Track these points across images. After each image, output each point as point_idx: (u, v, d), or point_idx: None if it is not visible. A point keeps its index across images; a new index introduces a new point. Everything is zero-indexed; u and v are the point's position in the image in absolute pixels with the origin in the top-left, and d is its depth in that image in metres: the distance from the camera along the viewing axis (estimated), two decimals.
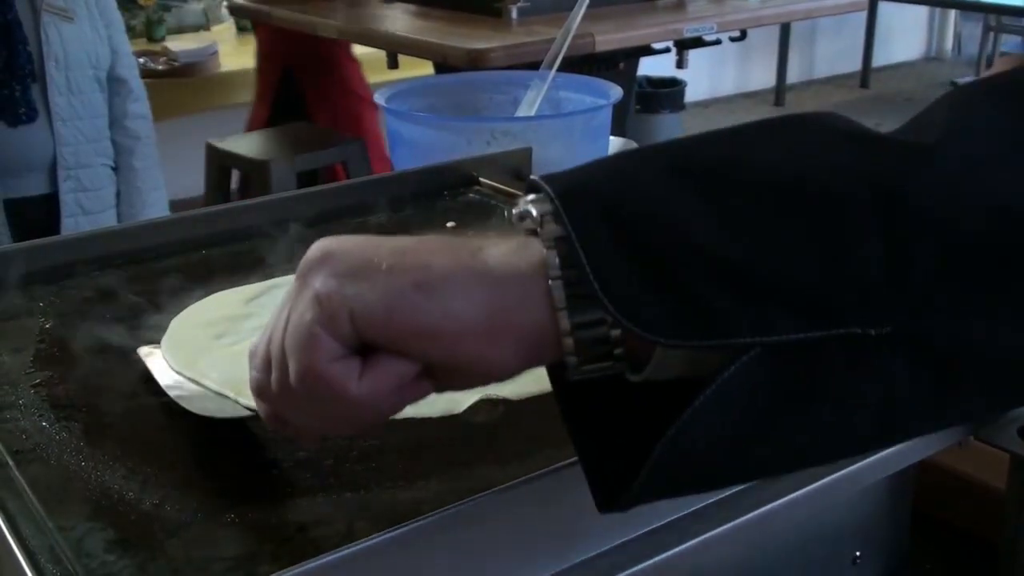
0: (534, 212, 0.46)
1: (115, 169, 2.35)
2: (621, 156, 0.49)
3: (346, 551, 0.53)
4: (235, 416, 0.68)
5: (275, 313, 0.51)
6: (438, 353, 0.47)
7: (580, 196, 0.45)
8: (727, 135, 0.50)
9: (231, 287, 0.93)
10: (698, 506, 0.65)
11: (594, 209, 0.44)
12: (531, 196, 0.47)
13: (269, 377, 0.50)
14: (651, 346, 0.45)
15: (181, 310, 0.88)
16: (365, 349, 0.48)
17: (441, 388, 0.50)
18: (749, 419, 0.44)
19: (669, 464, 0.44)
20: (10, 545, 0.57)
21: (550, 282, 0.45)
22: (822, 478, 0.68)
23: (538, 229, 0.46)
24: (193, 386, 0.73)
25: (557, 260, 0.45)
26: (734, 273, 0.43)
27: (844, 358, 0.43)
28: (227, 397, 0.70)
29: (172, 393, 0.72)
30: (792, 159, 0.46)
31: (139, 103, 2.38)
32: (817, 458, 0.49)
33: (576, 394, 0.50)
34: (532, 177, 0.47)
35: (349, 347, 0.47)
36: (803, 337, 0.42)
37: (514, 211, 0.48)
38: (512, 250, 0.47)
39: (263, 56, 3.54)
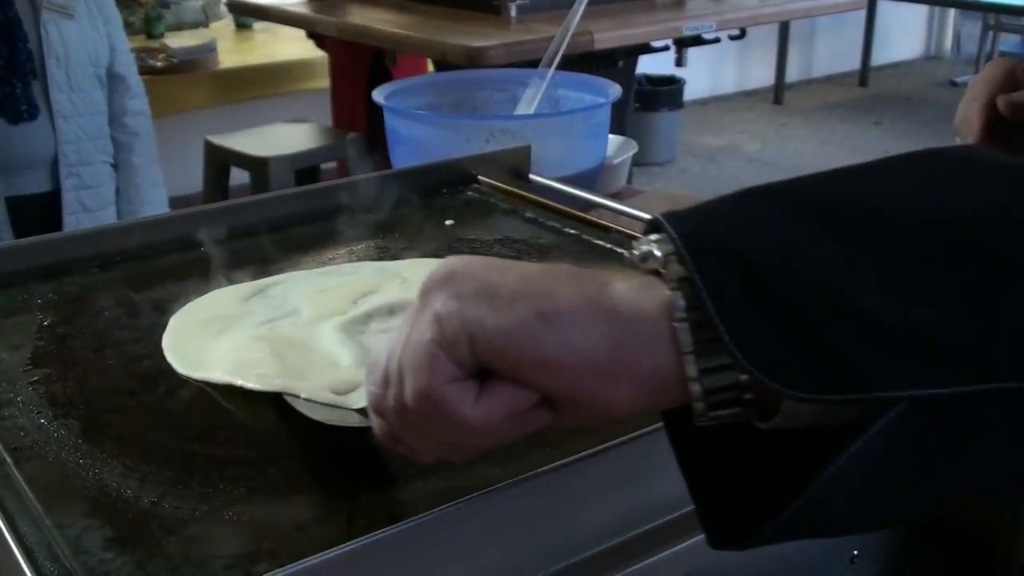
0: (657, 252, 0.45)
1: (114, 166, 2.34)
2: (747, 195, 0.47)
3: (344, 549, 0.53)
4: (345, 424, 0.67)
5: (397, 330, 0.50)
6: (555, 385, 0.45)
7: (705, 238, 0.43)
8: (863, 173, 0.47)
9: (229, 285, 0.93)
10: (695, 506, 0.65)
11: (720, 253, 0.43)
12: (653, 236, 0.46)
13: (385, 392, 0.50)
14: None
15: (179, 308, 0.88)
16: (483, 374, 0.47)
17: (558, 420, 0.48)
18: (889, 473, 0.42)
19: (802, 514, 0.43)
20: (8, 542, 0.57)
21: (676, 324, 0.43)
22: None
23: (661, 269, 0.44)
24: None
25: (683, 302, 0.43)
26: (880, 325, 0.41)
27: (994, 412, 0.41)
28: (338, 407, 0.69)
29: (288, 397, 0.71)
30: (936, 201, 0.44)
31: (137, 100, 2.38)
32: (950, 508, 0.48)
33: (690, 434, 0.48)
34: (655, 216, 0.46)
35: (467, 370, 0.46)
36: (954, 391, 0.40)
37: (635, 251, 0.46)
38: (636, 287, 0.45)
39: (348, 45, 3.46)
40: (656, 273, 0.45)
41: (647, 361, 0.44)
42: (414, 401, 0.47)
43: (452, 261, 0.49)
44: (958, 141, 1.02)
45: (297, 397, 0.71)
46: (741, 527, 0.46)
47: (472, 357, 0.46)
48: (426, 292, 0.48)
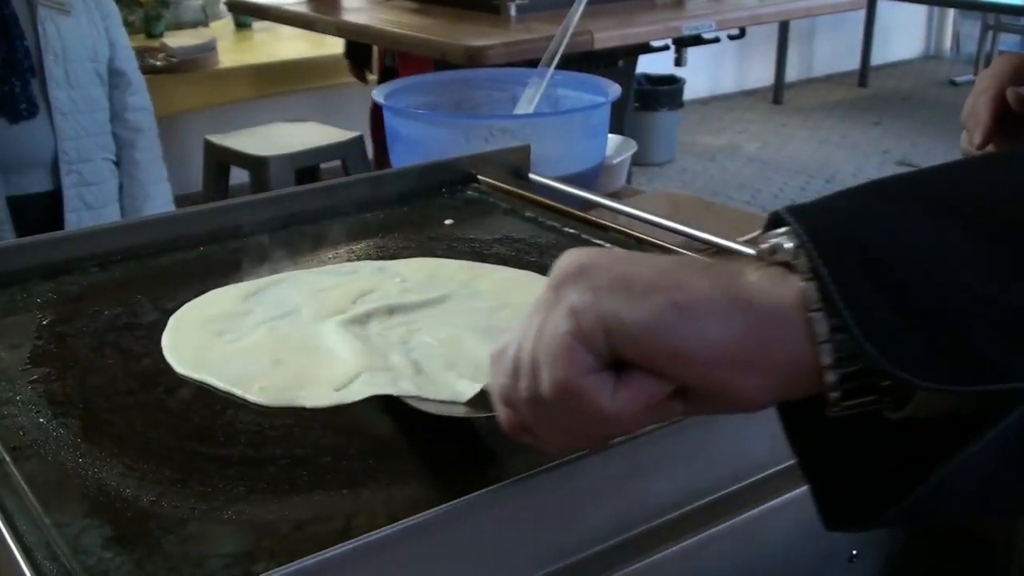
0: (786, 245, 0.45)
1: (117, 164, 2.34)
2: (871, 188, 0.47)
3: (343, 548, 0.53)
4: (456, 416, 0.68)
5: (523, 322, 0.50)
6: (691, 376, 0.46)
7: (831, 231, 0.44)
8: (987, 166, 0.48)
9: (228, 284, 0.93)
10: (695, 505, 0.65)
11: (847, 246, 0.43)
12: (780, 229, 0.46)
13: (516, 384, 0.50)
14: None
15: (179, 307, 0.88)
16: (617, 364, 0.47)
17: (690, 410, 0.49)
18: (1017, 462, 0.43)
19: (929, 498, 0.44)
20: (7, 542, 0.57)
21: (810, 314, 0.44)
22: None
23: (792, 261, 0.45)
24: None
25: (817, 292, 0.43)
26: (1015, 316, 0.41)
27: None
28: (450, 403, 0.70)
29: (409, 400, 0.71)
30: None
31: (139, 95, 2.37)
32: None
33: (806, 421, 0.48)
34: (776, 210, 0.46)
35: (603, 362, 0.47)
36: None
37: (762, 245, 0.47)
38: (768, 278, 0.46)
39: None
40: (786, 265, 0.45)
41: (782, 351, 0.45)
42: (552, 393, 0.48)
43: (579, 254, 0.49)
44: (963, 135, 1.02)
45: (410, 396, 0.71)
46: (860, 511, 0.46)
47: (609, 349, 0.46)
48: (558, 285, 0.48)
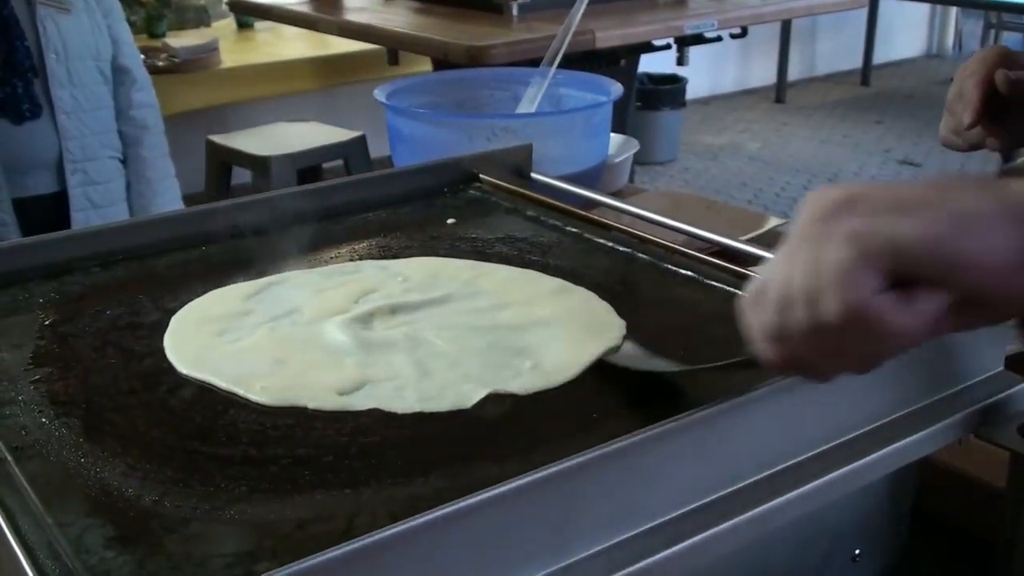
0: None
1: (123, 162, 2.33)
2: None
3: (345, 548, 0.53)
4: (659, 371, 0.71)
5: (777, 262, 0.52)
6: (976, 285, 0.48)
7: None
8: None
9: (230, 284, 0.93)
10: (697, 504, 0.65)
11: None
12: None
13: (787, 318, 0.51)
14: None
15: (180, 307, 0.88)
16: (896, 284, 0.49)
17: (961, 324, 0.51)
18: None
19: None
20: (9, 541, 0.57)
21: None
22: (822, 476, 0.68)
23: None
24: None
25: None
26: None
27: None
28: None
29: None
30: None
31: (144, 92, 2.36)
32: None
33: None
34: None
35: (888, 281, 0.49)
36: None
37: (1018, 161, 0.50)
38: None
39: None
40: None
41: None
42: (840, 318, 0.49)
43: (837, 188, 0.51)
44: (944, 121, 1.02)
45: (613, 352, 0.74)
46: None
47: (893, 267, 0.48)
48: (824, 217, 0.50)
